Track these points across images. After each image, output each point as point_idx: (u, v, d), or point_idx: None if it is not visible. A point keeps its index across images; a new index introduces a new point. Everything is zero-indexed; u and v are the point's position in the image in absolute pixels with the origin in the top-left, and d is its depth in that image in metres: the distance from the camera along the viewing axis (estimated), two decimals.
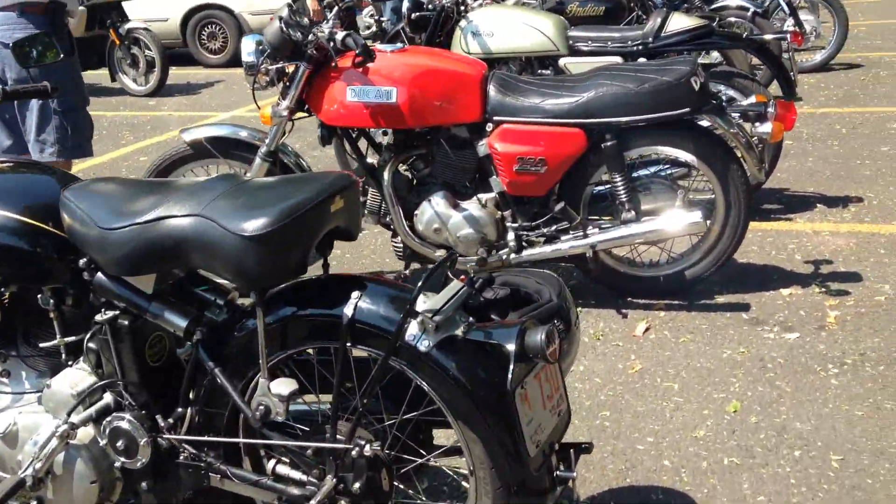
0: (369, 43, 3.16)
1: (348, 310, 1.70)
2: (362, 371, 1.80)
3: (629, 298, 3.49)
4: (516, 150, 3.22)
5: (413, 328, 1.67)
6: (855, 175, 4.81)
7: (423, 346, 1.66)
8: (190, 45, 10.87)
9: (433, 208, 3.36)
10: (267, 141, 3.42)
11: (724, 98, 4.12)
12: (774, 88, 4.77)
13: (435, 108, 3.22)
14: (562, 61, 4.31)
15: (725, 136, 3.24)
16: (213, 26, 10.85)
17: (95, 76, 9.95)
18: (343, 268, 4.06)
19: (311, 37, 3.19)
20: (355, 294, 1.72)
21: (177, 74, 10.13)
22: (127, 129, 7.51)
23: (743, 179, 3.26)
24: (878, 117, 6.00)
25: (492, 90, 3.26)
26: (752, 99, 3.23)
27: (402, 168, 3.51)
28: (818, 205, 4.40)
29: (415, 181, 3.46)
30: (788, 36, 4.09)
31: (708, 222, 3.27)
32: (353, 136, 3.44)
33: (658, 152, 3.27)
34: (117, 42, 8.85)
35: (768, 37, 4.10)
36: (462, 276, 1.84)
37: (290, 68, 3.32)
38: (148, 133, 7.30)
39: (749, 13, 6.27)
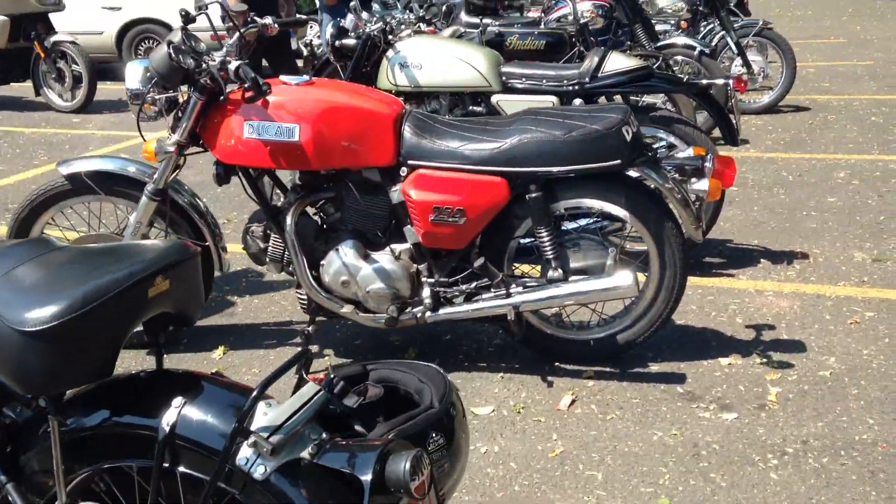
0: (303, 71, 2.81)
1: (167, 421, 1.35)
2: (194, 488, 1.44)
3: (556, 363, 3.17)
4: (432, 198, 2.89)
5: (246, 450, 1.31)
6: (801, 228, 4.58)
7: (259, 472, 1.31)
8: (124, 59, 10.42)
9: (341, 259, 3.01)
10: (155, 177, 3.05)
11: (663, 143, 3.88)
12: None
13: (343, 150, 2.88)
14: (494, 98, 4.02)
15: (660, 191, 2.95)
16: (151, 41, 10.43)
17: (20, 89, 9.46)
18: (249, 316, 3.69)
19: (203, 65, 2.84)
20: (178, 401, 1.37)
21: (109, 90, 9.68)
22: (43, 147, 7.04)
23: (679, 238, 2.97)
24: (825, 164, 5.82)
25: (407, 131, 2.93)
26: (690, 151, 2.95)
27: (311, 211, 3.17)
28: (762, 260, 4.15)
29: (324, 226, 3.12)
30: (731, 82, 3.84)
31: (640, 285, 2.98)
32: (254, 175, 3.08)
33: (587, 205, 2.97)
34: (42, 55, 8.37)
35: (709, 81, 3.85)
36: (321, 375, 1.49)
37: (184, 97, 2.97)
38: (65, 153, 6.84)
39: (696, 52, 6.09)
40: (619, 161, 2.83)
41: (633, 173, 2.99)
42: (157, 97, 2.92)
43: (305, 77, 2.97)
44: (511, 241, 3.04)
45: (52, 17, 8.74)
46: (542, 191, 2.91)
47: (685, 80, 3.86)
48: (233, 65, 2.76)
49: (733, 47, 7.03)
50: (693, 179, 2.91)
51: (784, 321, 3.49)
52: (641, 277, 3.06)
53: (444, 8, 7.00)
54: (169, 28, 10.16)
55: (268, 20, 3.18)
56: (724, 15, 6.99)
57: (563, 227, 3.18)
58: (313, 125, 2.85)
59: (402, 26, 4.47)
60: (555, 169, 2.84)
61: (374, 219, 3.02)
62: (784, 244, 4.36)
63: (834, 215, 4.75)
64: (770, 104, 7.50)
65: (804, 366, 3.10)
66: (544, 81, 3.95)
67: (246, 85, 2.71)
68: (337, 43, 4.29)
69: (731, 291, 3.80)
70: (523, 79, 3.99)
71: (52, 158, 6.65)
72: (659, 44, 6.26)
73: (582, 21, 5.65)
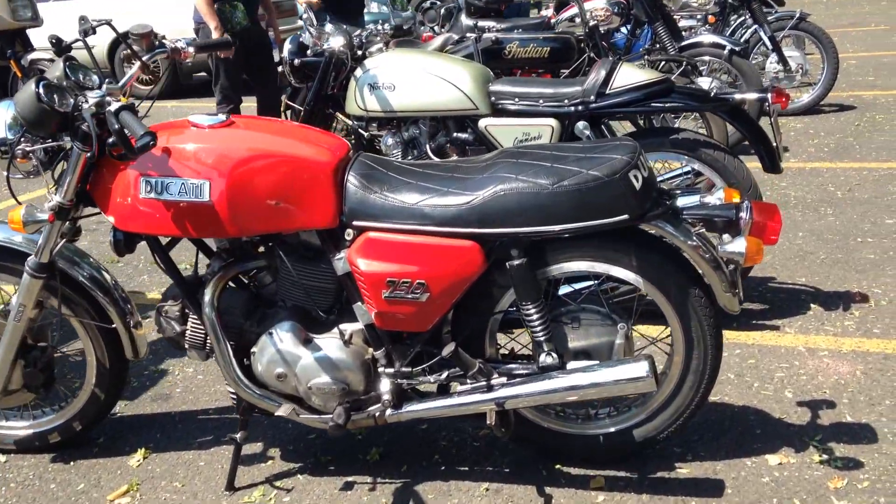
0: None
1: None
2: None
3: (556, 465, 2.50)
4: (385, 269, 2.23)
5: None
6: (856, 259, 3.85)
7: None
8: (118, 76, 9.92)
9: (275, 345, 2.37)
10: (38, 246, 2.42)
11: (687, 172, 3.18)
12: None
13: (268, 210, 2.23)
14: (482, 123, 3.35)
15: (683, 250, 2.26)
16: None
17: None
18: (187, 400, 3.05)
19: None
20: None
21: None
22: None
23: (709, 309, 2.28)
24: (879, 175, 5.06)
25: (351, 184, 2.27)
26: (720, 195, 2.26)
27: (244, 279, 2.53)
28: (812, 305, 3.43)
29: (257, 302, 2.47)
30: (770, 96, 3.12)
31: (658, 375, 2.30)
32: (163, 243, 2.44)
33: (587, 270, 2.29)
34: (20, 74, 7.83)
35: (742, 96, 3.13)
36: None
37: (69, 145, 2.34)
38: (20, 192, 6.27)
39: (725, 51, 5.36)
40: (625, 216, 2.14)
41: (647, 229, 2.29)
42: (29, 149, 2.30)
43: (221, 117, 2.32)
44: (491, 317, 2.37)
45: (36, 33, 8.20)
46: (527, 256, 2.23)
47: (712, 94, 3.15)
48: (113, 107, 2.12)
49: (767, 42, 6.28)
50: (726, 237, 2.21)
51: (846, 394, 2.78)
52: (666, 348, 2.39)
53: (442, 11, 6.34)
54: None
55: (180, 43, 2.54)
56: (757, 7, 6.24)
57: (557, 294, 2.50)
58: (228, 180, 2.20)
59: (377, 38, 3.82)
60: (542, 229, 2.16)
61: (316, 294, 2.37)
62: (838, 282, 3.63)
63: (895, 242, 4.01)
64: (811, 104, 6.73)
65: (877, 465, 2.39)
66: (541, 101, 3.27)
67: (111, 139, 2.07)
68: (296, 61, 3.64)
69: (776, 351, 3.09)
70: (516, 98, 3.31)
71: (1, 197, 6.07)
72: (683, 43, 5.54)
73: (592, 23, 4.94)
